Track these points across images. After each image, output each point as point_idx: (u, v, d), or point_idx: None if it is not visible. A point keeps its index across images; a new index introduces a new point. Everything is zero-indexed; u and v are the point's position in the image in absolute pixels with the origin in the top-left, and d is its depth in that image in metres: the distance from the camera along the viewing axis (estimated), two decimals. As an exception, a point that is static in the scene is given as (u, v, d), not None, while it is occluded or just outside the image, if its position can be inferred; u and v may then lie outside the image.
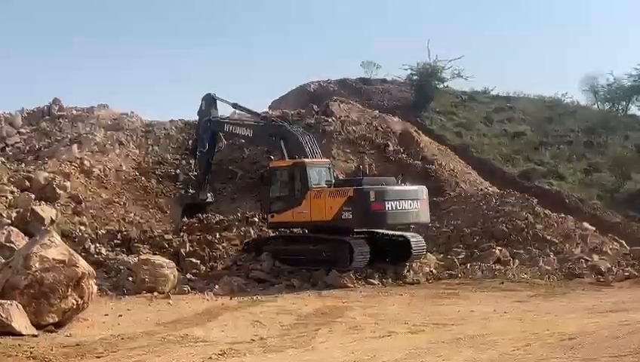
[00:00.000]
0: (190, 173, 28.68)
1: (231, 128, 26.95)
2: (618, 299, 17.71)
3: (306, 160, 23.48)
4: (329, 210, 22.28)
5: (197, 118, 28.99)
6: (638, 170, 44.87)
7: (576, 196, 40.58)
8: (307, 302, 18.19)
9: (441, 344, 12.42)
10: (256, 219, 26.99)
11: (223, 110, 28.90)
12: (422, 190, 23.33)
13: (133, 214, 29.43)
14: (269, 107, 51.81)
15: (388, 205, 21.80)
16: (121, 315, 15.91)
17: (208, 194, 27.99)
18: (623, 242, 28.07)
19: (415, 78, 53.83)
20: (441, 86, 54.61)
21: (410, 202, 22.45)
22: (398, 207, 22.04)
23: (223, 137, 27.47)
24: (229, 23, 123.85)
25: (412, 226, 24.31)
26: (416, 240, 23.26)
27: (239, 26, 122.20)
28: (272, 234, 25.30)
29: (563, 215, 29.58)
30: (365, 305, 17.67)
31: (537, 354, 11.15)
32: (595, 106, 59.02)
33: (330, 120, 36.80)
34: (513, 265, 23.90)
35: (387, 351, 11.81)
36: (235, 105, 27.51)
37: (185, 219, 27.45)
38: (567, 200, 39.27)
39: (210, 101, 27.40)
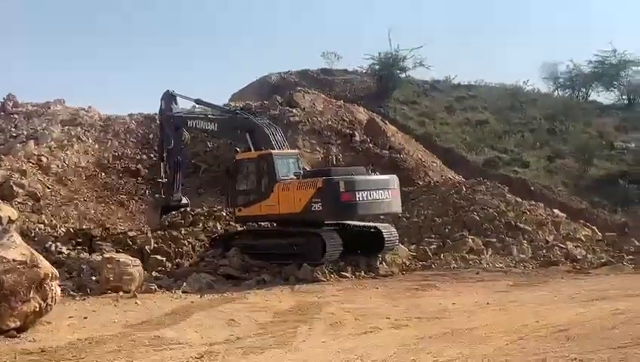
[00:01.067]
0: (162, 179, 27.14)
1: (194, 123, 25.94)
2: (600, 287, 17.35)
3: (273, 151, 22.78)
4: (298, 202, 21.63)
5: (157, 112, 27.90)
6: (600, 156, 44.91)
7: (541, 183, 40.40)
8: (281, 298, 17.50)
9: (429, 339, 11.84)
10: (224, 213, 26.19)
11: (185, 106, 27.94)
12: (393, 179, 22.79)
13: (93, 211, 28.63)
14: (229, 100, 50.89)
15: (358, 195, 21.19)
16: (86, 317, 15.06)
17: (183, 197, 26.80)
18: (595, 228, 27.86)
19: (377, 67, 53.30)
20: (403, 75, 54.17)
21: (382, 192, 21.87)
22: (369, 198, 21.44)
23: (187, 133, 26.36)
24: (189, 17, 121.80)
25: (382, 217, 23.78)
26: (388, 231, 22.73)
27: (202, 20, 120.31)
28: (239, 229, 24.55)
29: (533, 202, 29.30)
30: (342, 299, 17.05)
31: (532, 348, 10.65)
32: (556, 93, 59.15)
33: (294, 110, 36.16)
34: (487, 254, 23.53)
35: (374, 349, 11.20)
36: (197, 101, 26.52)
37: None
38: (532, 188, 39.02)
39: (169, 98, 26.34)
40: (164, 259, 22.24)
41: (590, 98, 57.71)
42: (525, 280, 19.51)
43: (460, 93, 56.09)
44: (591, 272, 20.74)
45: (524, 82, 58.27)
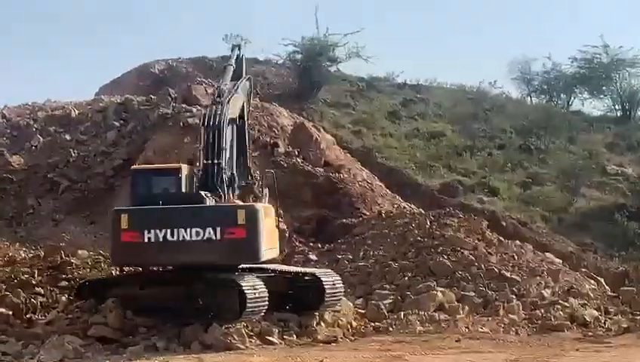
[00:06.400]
0: None
1: None
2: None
3: (135, 166, 22.13)
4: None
5: None
6: (590, 183, 44.90)
7: (515, 217, 40.02)
8: (186, 377, 15.96)
9: None
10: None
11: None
12: (239, 210, 19.88)
13: None
14: (96, 94, 49.34)
15: (148, 235, 19.48)
16: None
17: None
18: (602, 280, 27.22)
19: (299, 56, 52.23)
20: (334, 69, 53.37)
21: (198, 230, 19.61)
22: (172, 238, 19.47)
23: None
24: None
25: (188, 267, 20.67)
26: (330, 279, 21.70)
27: None
28: (119, 273, 22.93)
29: (519, 243, 28.58)
30: (279, 380, 15.62)
31: None
32: (529, 99, 59.33)
33: (194, 109, 34.74)
34: (463, 313, 22.53)
35: None
36: None
37: None
38: (504, 223, 38.47)
39: None
40: (10, 313, 20.61)
41: (573, 107, 57.95)
42: (528, 353, 18.40)
43: (406, 95, 55.82)
44: (611, 342, 19.86)
45: (490, 83, 58.09)
